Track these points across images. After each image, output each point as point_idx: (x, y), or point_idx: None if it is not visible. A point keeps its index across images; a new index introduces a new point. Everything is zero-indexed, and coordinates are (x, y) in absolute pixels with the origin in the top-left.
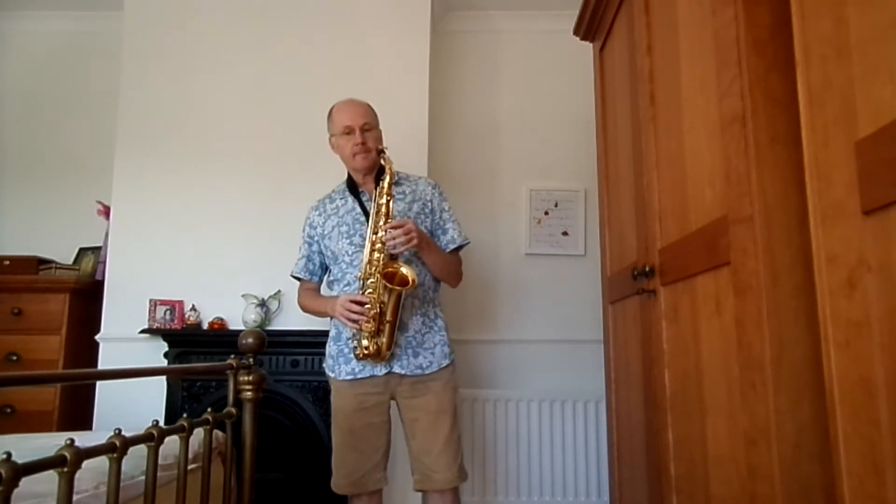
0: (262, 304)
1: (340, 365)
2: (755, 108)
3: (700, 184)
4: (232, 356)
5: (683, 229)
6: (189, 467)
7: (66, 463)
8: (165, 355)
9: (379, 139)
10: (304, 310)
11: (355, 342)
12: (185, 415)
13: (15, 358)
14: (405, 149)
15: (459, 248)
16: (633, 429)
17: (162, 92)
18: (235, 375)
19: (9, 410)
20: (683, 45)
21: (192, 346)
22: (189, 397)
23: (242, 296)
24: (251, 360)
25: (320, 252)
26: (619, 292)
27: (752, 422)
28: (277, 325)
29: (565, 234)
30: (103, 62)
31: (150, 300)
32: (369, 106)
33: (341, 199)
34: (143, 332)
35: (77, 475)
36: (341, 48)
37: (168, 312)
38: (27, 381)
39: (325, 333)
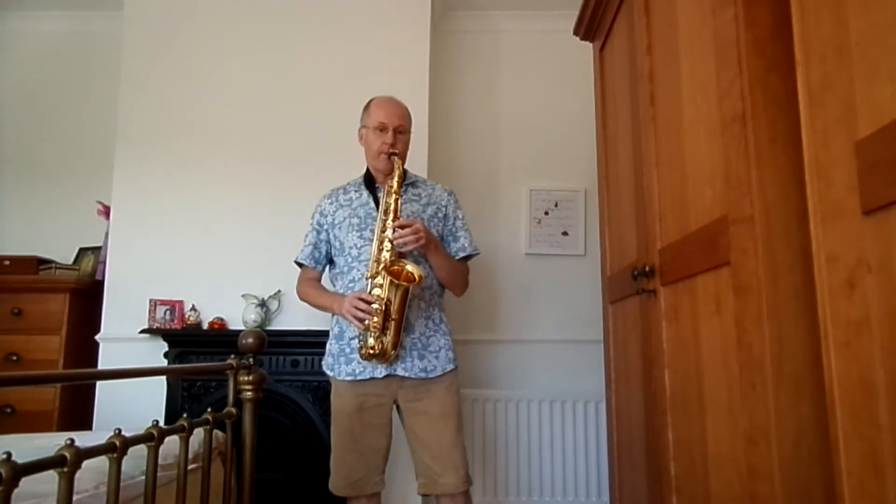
0: (262, 304)
1: (341, 365)
2: (755, 108)
3: (700, 184)
4: (232, 356)
5: (683, 229)
6: (189, 467)
7: (66, 463)
8: (165, 355)
9: (408, 144)
10: (303, 298)
11: (360, 342)
12: (185, 415)
13: (15, 358)
14: None
15: (468, 257)
16: (633, 429)
17: (162, 92)
18: (235, 375)
19: (9, 410)
20: (683, 45)
21: (192, 346)
22: (189, 397)
23: (242, 296)
24: (251, 360)
25: (328, 241)
26: (619, 292)
27: (752, 422)
28: (277, 325)
29: (565, 234)
30: (103, 62)
31: (150, 300)
32: (407, 109)
33: (356, 191)
34: (143, 332)
35: (77, 475)
36: (341, 48)
37: (168, 312)
38: (27, 381)
39: (326, 333)
